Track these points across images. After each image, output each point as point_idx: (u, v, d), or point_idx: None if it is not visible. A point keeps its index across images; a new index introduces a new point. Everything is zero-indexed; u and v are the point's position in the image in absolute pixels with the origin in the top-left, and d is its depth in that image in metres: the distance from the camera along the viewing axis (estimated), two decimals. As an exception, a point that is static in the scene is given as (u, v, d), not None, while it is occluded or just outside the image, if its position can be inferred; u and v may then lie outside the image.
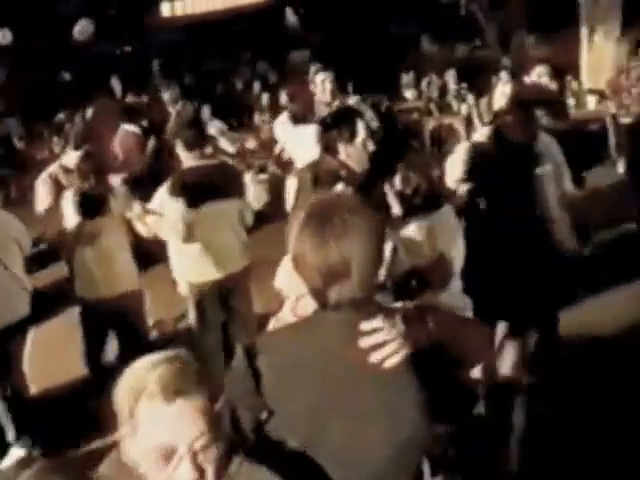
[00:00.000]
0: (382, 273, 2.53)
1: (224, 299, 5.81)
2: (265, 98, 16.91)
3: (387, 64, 17.17)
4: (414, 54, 19.10)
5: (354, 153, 4.32)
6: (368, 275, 2.21)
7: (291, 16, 24.15)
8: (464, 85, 13.44)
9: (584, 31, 15.20)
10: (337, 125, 4.39)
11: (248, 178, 5.84)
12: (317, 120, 6.27)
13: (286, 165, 8.12)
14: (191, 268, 5.72)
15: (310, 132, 5.89)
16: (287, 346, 2.25)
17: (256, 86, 19.74)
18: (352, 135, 4.29)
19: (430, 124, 13.41)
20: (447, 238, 3.90)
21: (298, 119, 6.97)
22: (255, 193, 5.77)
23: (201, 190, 5.45)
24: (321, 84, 7.05)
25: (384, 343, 2.11)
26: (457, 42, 19.36)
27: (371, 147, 4.31)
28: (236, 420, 2.19)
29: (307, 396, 2.17)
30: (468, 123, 12.92)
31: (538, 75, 7.55)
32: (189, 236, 5.45)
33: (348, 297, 2.19)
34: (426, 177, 4.04)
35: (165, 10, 23.82)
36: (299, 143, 6.35)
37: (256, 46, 22.86)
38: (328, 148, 4.43)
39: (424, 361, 2.15)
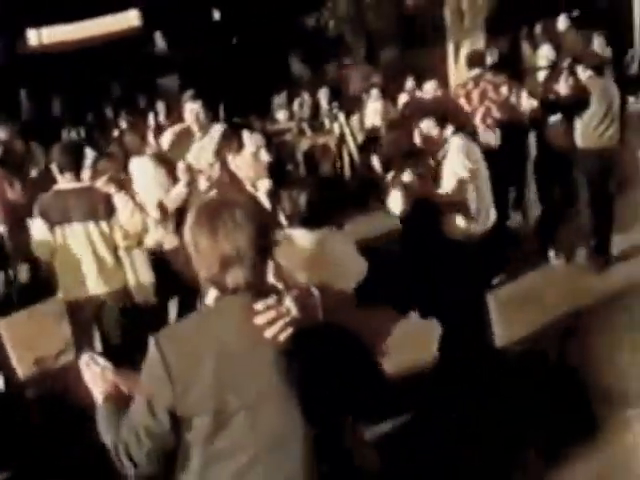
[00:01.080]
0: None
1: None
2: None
3: (258, 86, 17.09)
4: (285, 75, 19.06)
5: (242, 164, 4.31)
6: (258, 261, 2.50)
7: (160, 41, 23.84)
8: (335, 104, 13.37)
9: (450, 47, 15.55)
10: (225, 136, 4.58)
11: (117, 199, 5.73)
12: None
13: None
14: (60, 285, 5.97)
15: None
16: (192, 333, 2.51)
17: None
18: (240, 146, 4.32)
19: (304, 144, 13.27)
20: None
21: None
22: (126, 212, 5.72)
23: (62, 212, 5.68)
24: (190, 113, 6.89)
25: (275, 320, 2.39)
26: (327, 62, 19.45)
27: (265, 157, 4.30)
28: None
29: (211, 376, 2.41)
30: (341, 142, 12.87)
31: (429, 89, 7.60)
32: (50, 255, 5.79)
33: (243, 282, 2.48)
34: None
35: (32, 38, 23.19)
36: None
37: (125, 73, 22.46)
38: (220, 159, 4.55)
39: (314, 342, 2.49)
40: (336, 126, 12.93)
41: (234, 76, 18.19)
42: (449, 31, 15.69)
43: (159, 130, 11.67)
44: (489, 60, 11.30)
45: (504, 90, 7.68)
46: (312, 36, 19.32)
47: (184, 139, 6.88)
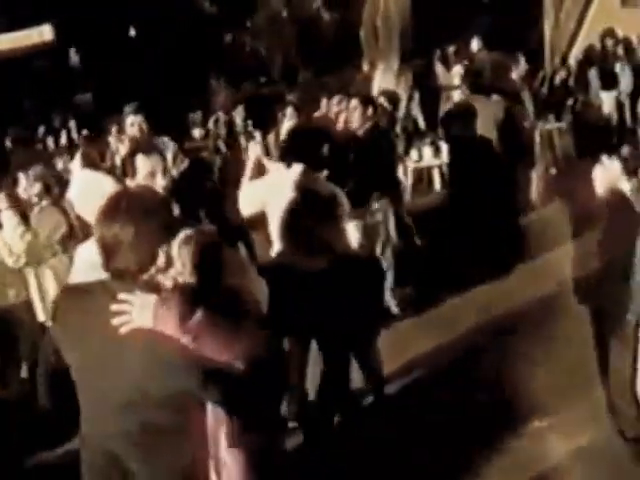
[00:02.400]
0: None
1: None
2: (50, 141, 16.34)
3: (174, 103, 16.95)
4: (201, 93, 18.97)
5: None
6: (142, 252, 2.65)
7: (74, 56, 23.53)
8: (250, 122, 13.35)
9: (365, 66, 15.72)
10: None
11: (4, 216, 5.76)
12: None
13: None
14: None
15: None
16: (72, 313, 2.80)
17: (41, 130, 19.04)
18: (133, 172, 4.31)
19: (218, 162, 13.17)
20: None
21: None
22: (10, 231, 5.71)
23: None
24: (130, 127, 6.85)
25: (124, 312, 2.59)
26: (243, 80, 19.44)
27: (160, 182, 4.25)
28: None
29: (82, 351, 2.74)
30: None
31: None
32: None
33: (121, 269, 2.66)
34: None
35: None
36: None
37: (40, 90, 22.08)
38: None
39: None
40: (252, 144, 12.87)
41: (149, 93, 18.02)
42: (364, 51, 15.85)
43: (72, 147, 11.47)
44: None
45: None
46: (229, 54, 19.30)
47: None
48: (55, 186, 6.10)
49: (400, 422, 5.45)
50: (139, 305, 2.60)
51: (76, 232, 5.73)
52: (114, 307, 2.61)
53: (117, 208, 2.71)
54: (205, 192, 7.07)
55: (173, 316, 2.58)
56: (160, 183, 4.24)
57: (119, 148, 7.10)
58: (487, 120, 8.52)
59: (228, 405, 2.81)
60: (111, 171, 6.92)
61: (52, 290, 5.77)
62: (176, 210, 2.87)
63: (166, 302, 2.60)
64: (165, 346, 2.58)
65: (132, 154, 4.38)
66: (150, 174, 4.23)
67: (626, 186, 4.43)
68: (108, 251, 2.68)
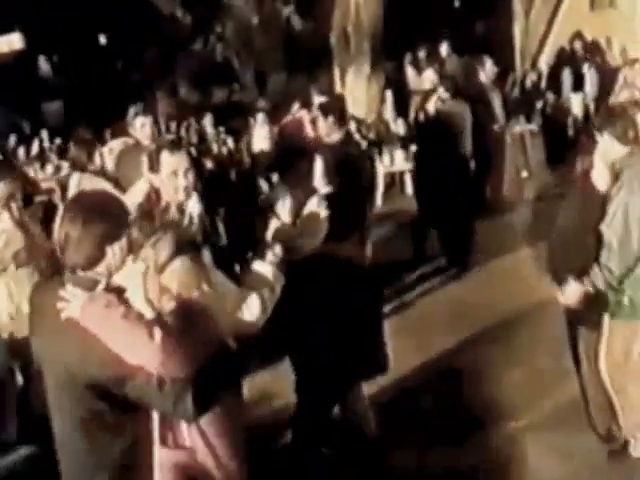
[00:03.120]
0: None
1: None
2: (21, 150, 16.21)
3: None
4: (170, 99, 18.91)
5: (160, 183, 4.31)
6: (80, 253, 2.97)
7: (44, 65, 23.36)
8: (222, 129, 13.34)
9: (336, 71, 15.76)
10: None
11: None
12: None
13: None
14: None
15: None
16: (39, 305, 3.17)
17: (12, 139, 18.87)
18: (157, 168, 4.31)
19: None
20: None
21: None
22: None
23: None
24: (140, 128, 6.92)
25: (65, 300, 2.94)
26: (214, 86, 19.40)
27: (182, 182, 4.23)
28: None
29: (40, 335, 3.13)
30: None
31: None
32: None
33: (71, 264, 3.02)
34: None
35: None
36: None
37: (6, 97, 21.87)
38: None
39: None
40: (224, 150, 12.88)
41: (120, 101, 17.93)
42: (335, 57, 15.87)
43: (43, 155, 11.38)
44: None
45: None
46: (199, 60, 19.25)
47: (134, 155, 6.72)
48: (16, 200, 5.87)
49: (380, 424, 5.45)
50: (75, 297, 2.93)
51: (39, 247, 5.51)
52: (60, 293, 2.95)
53: (70, 208, 3.12)
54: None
55: (94, 313, 2.89)
56: (181, 183, 4.23)
57: (113, 148, 7.07)
58: (458, 123, 8.58)
59: (145, 405, 3.04)
60: (101, 172, 6.96)
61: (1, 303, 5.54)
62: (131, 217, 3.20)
63: (92, 299, 2.91)
64: (86, 338, 2.88)
65: (158, 151, 4.38)
66: (173, 173, 4.22)
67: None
68: (61, 247, 3.03)
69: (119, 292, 2.99)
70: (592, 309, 4.65)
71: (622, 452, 4.85)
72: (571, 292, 4.66)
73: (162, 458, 3.25)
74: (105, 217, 3.02)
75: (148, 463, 3.17)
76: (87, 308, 2.90)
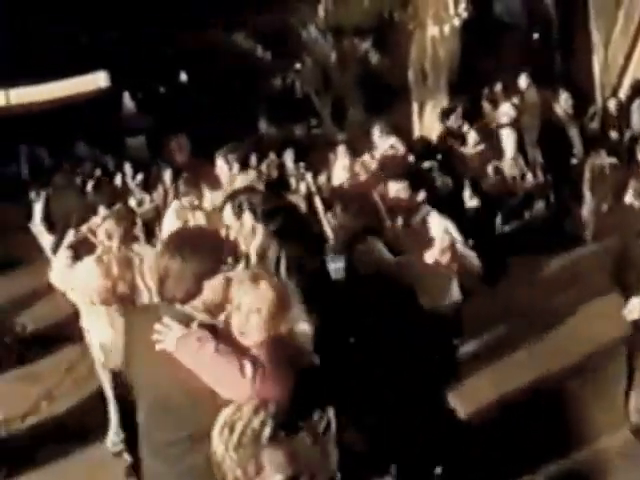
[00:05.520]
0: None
1: None
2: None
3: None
4: (253, 135, 19.22)
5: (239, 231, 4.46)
6: (179, 287, 3.10)
7: (128, 101, 23.98)
8: (302, 164, 13.49)
9: (415, 106, 15.83)
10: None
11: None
12: None
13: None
14: None
15: None
16: (130, 335, 3.39)
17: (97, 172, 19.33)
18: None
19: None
20: None
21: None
22: None
23: None
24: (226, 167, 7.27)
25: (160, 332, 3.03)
26: (294, 123, 19.67)
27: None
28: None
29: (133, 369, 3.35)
30: (309, 201, 12.90)
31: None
32: None
33: (168, 297, 3.14)
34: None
35: (0, 99, 23.21)
36: None
37: (92, 134, 22.48)
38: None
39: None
40: (302, 185, 12.99)
41: (202, 137, 18.29)
42: (413, 91, 15.97)
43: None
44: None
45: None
46: (279, 97, 19.56)
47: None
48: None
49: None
50: (170, 330, 3.03)
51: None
52: (156, 326, 3.04)
53: (171, 242, 3.28)
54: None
55: (188, 346, 2.97)
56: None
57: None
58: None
59: None
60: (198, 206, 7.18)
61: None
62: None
63: (187, 335, 3.00)
64: (180, 370, 2.98)
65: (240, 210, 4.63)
66: (252, 229, 4.53)
67: None
68: (160, 279, 3.15)
69: (212, 328, 3.06)
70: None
71: None
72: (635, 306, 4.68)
73: None
74: (204, 253, 3.13)
75: None
76: (181, 341, 2.99)
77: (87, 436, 6.54)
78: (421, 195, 5.31)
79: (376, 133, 7.70)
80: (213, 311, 3.18)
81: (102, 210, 6.31)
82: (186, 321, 3.07)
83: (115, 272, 5.55)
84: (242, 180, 7.42)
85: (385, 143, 7.30)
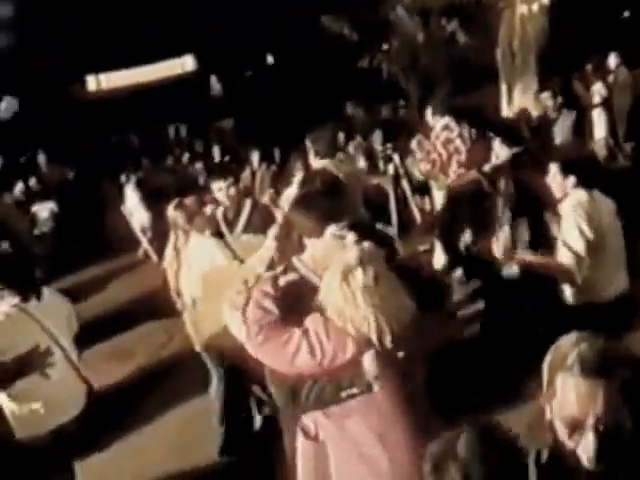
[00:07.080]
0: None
1: None
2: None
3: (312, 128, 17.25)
4: (339, 117, 19.26)
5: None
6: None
7: (215, 84, 24.28)
8: (389, 145, 13.48)
9: (503, 87, 15.63)
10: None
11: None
12: None
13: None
14: None
15: None
16: None
17: (185, 157, 19.65)
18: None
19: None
20: None
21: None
22: None
23: None
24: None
25: None
26: (381, 104, 19.64)
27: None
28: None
29: None
30: (396, 182, 12.94)
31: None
32: None
33: None
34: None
35: (91, 84, 23.77)
36: None
37: (181, 116, 22.84)
38: None
39: None
40: (390, 167, 13.01)
41: (289, 118, 18.44)
42: (501, 72, 15.78)
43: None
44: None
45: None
46: (366, 78, 19.55)
47: None
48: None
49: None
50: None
51: None
52: None
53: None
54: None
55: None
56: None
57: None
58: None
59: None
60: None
61: None
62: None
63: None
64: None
65: None
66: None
67: None
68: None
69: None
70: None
71: None
72: None
73: (304, 449, 3.35)
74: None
75: (292, 453, 3.40)
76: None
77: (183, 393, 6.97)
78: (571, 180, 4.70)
79: (429, 113, 7.50)
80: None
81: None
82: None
83: None
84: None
85: (439, 123, 7.09)
